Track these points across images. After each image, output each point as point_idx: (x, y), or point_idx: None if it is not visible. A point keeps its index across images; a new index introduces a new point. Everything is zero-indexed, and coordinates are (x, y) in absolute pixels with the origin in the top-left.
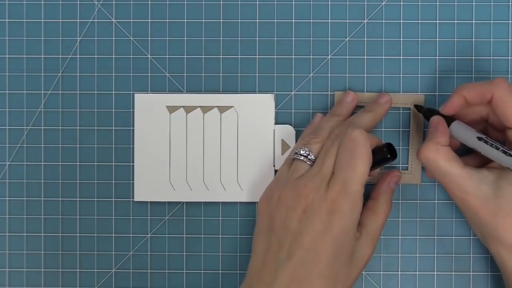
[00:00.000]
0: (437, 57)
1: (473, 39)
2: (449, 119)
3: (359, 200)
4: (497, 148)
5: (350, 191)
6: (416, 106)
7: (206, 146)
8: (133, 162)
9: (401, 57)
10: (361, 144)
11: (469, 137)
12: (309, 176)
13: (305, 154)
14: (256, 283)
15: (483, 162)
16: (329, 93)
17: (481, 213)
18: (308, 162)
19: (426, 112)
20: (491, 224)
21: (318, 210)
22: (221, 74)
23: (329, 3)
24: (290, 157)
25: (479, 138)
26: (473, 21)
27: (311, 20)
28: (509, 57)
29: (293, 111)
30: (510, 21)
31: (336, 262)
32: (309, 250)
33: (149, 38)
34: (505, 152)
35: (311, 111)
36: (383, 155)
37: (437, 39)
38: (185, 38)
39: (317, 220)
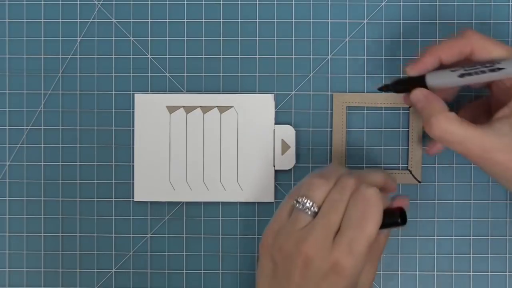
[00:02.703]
0: None
1: None
2: (417, 79)
3: (364, 260)
4: (484, 72)
5: (357, 251)
6: (380, 89)
7: (206, 146)
8: (133, 162)
9: (401, 57)
10: (374, 204)
11: (451, 80)
12: (311, 230)
13: (308, 206)
14: None
15: (481, 110)
16: (329, 93)
17: None
18: (310, 214)
19: (396, 86)
20: None
21: (321, 267)
22: (221, 74)
23: (329, 3)
24: (292, 201)
25: (462, 75)
26: (473, 21)
27: (311, 20)
28: None
29: (293, 111)
30: (510, 21)
31: None
32: None
33: (149, 38)
34: (492, 70)
35: (311, 111)
36: (393, 220)
37: (437, 39)
38: (185, 38)
39: (320, 278)
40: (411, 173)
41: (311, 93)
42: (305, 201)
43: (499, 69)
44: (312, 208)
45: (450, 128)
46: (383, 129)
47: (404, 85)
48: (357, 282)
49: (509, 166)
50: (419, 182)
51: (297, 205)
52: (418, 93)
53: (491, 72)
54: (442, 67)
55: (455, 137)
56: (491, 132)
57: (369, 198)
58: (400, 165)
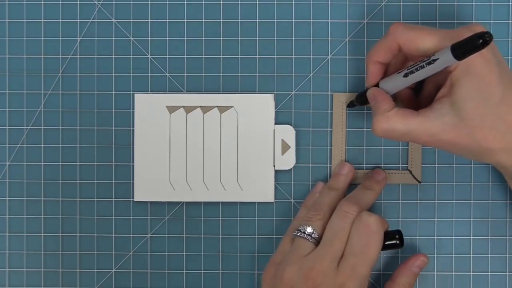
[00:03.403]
0: None
1: None
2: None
3: (367, 283)
4: (422, 67)
5: (360, 275)
6: (348, 105)
7: (206, 146)
8: (133, 162)
9: None
10: (376, 232)
11: (399, 82)
12: (316, 257)
13: (308, 233)
14: None
15: (433, 90)
16: (329, 93)
17: (460, 141)
18: (311, 240)
19: (358, 99)
20: (475, 143)
21: None
22: (221, 74)
23: (329, 3)
24: (293, 232)
25: (406, 74)
26: (473, 21)
27: (311, 20)
28: (509, 57)
29: (293, 111)
30: (510, 21)
31: None
32: None
33: (149, 38)
34: (429, 63)
35: (311, 111)
36: (392, 242)
37: None
38: (185, 38)
39: None
40: (411, 173)
41: (311, 93)
42: (305, 228)
43: (434, 60)
44: (313, 235)
45: (391, 126)
46: None
47: (364, 97)
48: None
49: (455, 142)
50: (419, 182)
51: (298, 233)
52: (369, 93)
53: (428, 65)
54: (395, 69)
55: (398, 133)
56: (432, 116)
57: (372, 227)
58: (400, 165)
